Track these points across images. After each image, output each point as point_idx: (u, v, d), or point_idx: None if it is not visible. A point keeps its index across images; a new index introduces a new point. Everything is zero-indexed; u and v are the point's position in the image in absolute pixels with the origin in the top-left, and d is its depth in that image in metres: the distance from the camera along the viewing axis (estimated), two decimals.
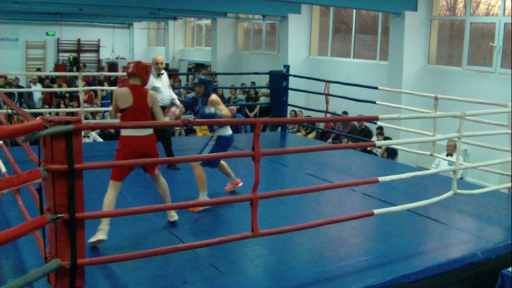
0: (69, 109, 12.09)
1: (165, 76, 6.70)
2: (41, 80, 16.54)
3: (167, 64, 22.48)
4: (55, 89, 15.49)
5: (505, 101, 5.90)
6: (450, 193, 4.82)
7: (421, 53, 11.51)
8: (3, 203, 4.87)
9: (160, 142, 6.62)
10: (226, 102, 15.55)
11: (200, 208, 4.91)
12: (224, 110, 4.99)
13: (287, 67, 9.39)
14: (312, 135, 12.38)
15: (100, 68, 22.76)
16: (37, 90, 13.97)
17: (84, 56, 24.19)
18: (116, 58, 23.53)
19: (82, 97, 8.41)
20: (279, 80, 9.28)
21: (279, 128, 9.94)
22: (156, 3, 13.85)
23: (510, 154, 5.36)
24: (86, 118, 10.84)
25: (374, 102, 7.90)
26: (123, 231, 4.39)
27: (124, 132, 4.25)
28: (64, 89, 14.59)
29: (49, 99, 16.14)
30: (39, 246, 3.19)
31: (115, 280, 3.65)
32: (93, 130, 9.41)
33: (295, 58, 14.52)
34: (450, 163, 7.56)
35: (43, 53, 23.30)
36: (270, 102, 9.74)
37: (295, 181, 6.43)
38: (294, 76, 9.58)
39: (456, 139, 5.20)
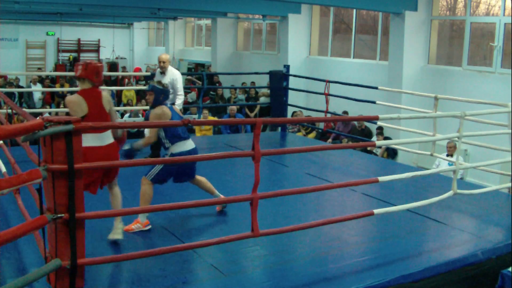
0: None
1: (169, 75, 6.73)
2: (41, 80, 16.54)
3: None
4: (55, 89, 15.49)
5: (505, 101, 5.90)
6: (450, 193, 4.81)
7: (421, 53, 11.50)
8: (3, 203, 4.86)
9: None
10: (226, 102, 15.56)
11: (135, 229, 4.43)
12: (151, 135, 4.54)
13: (287, 67, 9.39)
14: (312, 135, 12.38)
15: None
16: (37, 90, 13.97)
17: (84, 56, 24.18)
18: (116, 58, 23.52)
19: None
20: (279, 80, 9.27)
21: (279, 128, 9.94)
22: (156, 3, 13.84)
23: (510, 154, 5.36)
24: None
25: (374, 102, 7.90)
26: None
27: (85, 143, 3.32)
28: (64, 89, 14.59)
29: (49, 99, 16.15)
30: (38, 246, 3.19)
31: (115, 280, 3.65)
32: None
33: (295, 58, 14.51)
34: (451, 164, 7.56)
35: (43, 53, 23.29)
36: (270, 102, 9.74)
37: (295, 181, 6.43)
38: (294, 76, 9.57)
39: (456, 139, 5.20)
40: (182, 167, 4.60)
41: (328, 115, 8.84)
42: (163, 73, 6.79)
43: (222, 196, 4.90)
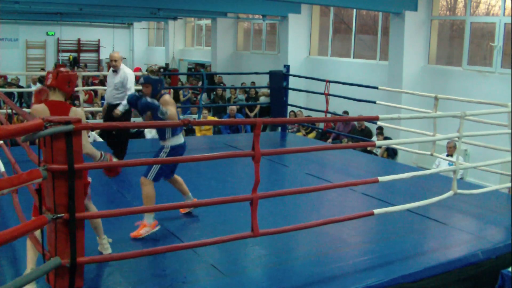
0: None
1: (120, 74, 6.51)
2: (41, 80, 16.54)
3: (167, 64, 22.48)
4: None
5: (505, 101, 5.90)
6: (450, 193, 4.81)
7: (421, 53, 11.50)
8: (2, 203, 4.86)
9: (116, 139, 6.62)
10: (227, 102, 15.56)
11: (144, 234, 4.28)
12: (173, 112, 4.42)
13: (287, 67, 9.39)
14: (312, 135, 12.37)
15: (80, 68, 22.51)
16: None
17: (84, 56, 24.19)
18: None
19: (82, 97, 8.43)
20: (279, 80, 9.27)
21: (279, 128, 9.94)
22: (156, 3, 13.85)
23: (510, 154, 5.36)
24: (86, 118, 10.84)
25: (374, 102, 7.90)
26: (123, 231, 4.38)
27: None
28: None
29: None
30: (36, 246, 3.18)
31: (114, 280, 3.65)
32: (93, 130, 9.41)
33: (295, 58, 14.51)
34: (451, 163, 7.56)
35: (43, 53, 23.29)
36: (270, 102, 9.74)
37: (295, 181, 6.43)
38: (294, 76, 9.57)
39: (456, 139, 5.20)
40: (182, 154, 4.60)
41: (328, 115, 8.84)
42: (115, 71, 6.56)
43: (195, 199, 4.83)
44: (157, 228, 4.32)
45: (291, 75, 9.35)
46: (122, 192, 5.35)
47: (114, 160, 3.94)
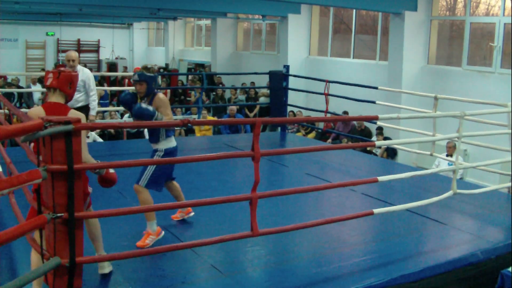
0: None
1: (81, 75, 6.18)
2: (41, 80, 16.54)
3: (166, 64, 22.48)
4: None
5: (505, 101, 5.90)
6: (450, 193, 4.81)
7: (421, 53, 11.51)
8: (1, 203, 4.86)
9: None
10: (226, 102, 15.56)
11: (150, 243, 4.09)
12: (169, 115, 4.17)
13: (287, 67, 9.39)
14: (312, 135, 12.38)
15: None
16: (37, 91, 13.96)
17: (84, 56, 24.18)
18: (116, 58, 23.53)
19: None
20: (279, 80, 9.27)
21: (279, 128, 9.94)
22: (156, 3, 13.85)
23: (510, 154, 5.36)
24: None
25: (374, 102, 7.90)
26: (123, 231, 4.38)
27: None
28: None
29: None
30: (33, 246, 3.18)
31: (114, 280, 3.65)
32: (92, 130, 9.41)
33: (295, 58, 14.52)
34: (450, 163, 7.56)
35: (43, 53, 23.30)
36: (270, 102, 9.73)
37: (295, 181, 6.43)
38: (294, 76, 9.57)
39: (456, 139, 5.20)
40: (172, 165, 4.36)
41: (328, 115, 8.84)
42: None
43: (189, 208, 4.69)
44: (161, 235, 4.18)
45: (291, 75, 9.35)
46: (121, 192, 5.34)
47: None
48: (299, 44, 14.93)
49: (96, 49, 24.52)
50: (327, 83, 8.35)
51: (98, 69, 23.64)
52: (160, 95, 4.22)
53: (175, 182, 4.56)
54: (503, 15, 10.22)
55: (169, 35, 22.29)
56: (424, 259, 4.18)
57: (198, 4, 13.47)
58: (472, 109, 5.89)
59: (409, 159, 10.53)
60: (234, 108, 11.67)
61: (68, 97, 3.37)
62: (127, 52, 25.11)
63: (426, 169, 7.59)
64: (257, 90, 14.99)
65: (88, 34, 24.12)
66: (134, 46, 25.46)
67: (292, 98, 9.78)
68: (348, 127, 12.03)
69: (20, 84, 16.95)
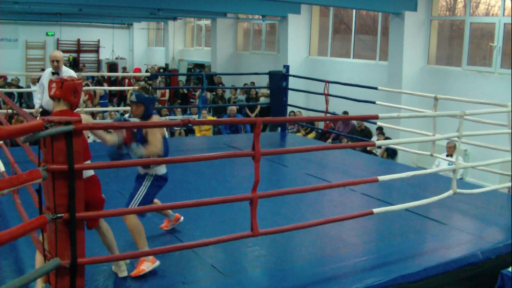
0: None
1: (63, 76, 5.68)
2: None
3: (166, 65, 22.48)
4: None
5: (505, 101, 5.90)
6: (449, 192, 4.81)
7: (421, 53, 11.51)
8: (2, 203, 4.86)
9: None
10: (226, 102, 15.56)
11: (147, 270, 3.72)
12: (153, 143, 3.69)
13: (286, 67, 9.39)
14: (312, 135, 12.38)
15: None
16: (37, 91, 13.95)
17: (84, 57, 24.18)
18: (116, 58, 23.53)
19: (82, 97, 8.40)
20: (279, 80, 9.27)
21: (279, 128, 9.94)
22: (156, 3, 13.85)
23: (510, 154, 5.36)
24: None
25: (374, 102, 7.90)
26: (123, 231, 4.38)
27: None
28: None
29: None
30: (36, 247, 3.18)
31: (115, 280, 3.65)
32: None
33: (295, 58, 14.51)
34: (450, 164, 7.56)
35: (43, 53, 23.28)
36: (270, 103, 9.73)
37: (295, 181, 6.43)
38: (294, 76, 9.57)
39: (456, 139, 5.20)
40: (161, 188, 3.99)
41: (328, 116, 8.83)
42: (56, 73, 5.84)
43: (177, 214, 4.53)
44: (157, 264, 3.77)
45: (291, 75, 9.34)
46: (121, 192, 5.34)
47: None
48: (299, 44, 14.93)
49: (96, 49, 24.51)
50: (327, 83, 8.35)
51: (98, 69, 23.64)
52: (155, 117, 3.88)
53: (155, 200, 4.21)
54: (503, 15, 10.22)
55: (169, 35, 22.28)
56: (424, 259, 4.18)
57: (198, 4, 13.47)
58: (472, 109, 5.90)
59: (409, 159, 10.53)
60: (234, 108, 11.67)
61: (73, 105, 3.28)
62: (127, 52, 25.10)
63: (426, 169, 7.59)
64: (257, 90, 14.99)
65: (88, 34, 24.11)
66: (134, 46, 25.45)
67: (292, 98, 9.78)
68: (348, 127, 12.03)
69: (20, 84, 16.95)
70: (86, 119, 3.31)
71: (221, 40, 18.55)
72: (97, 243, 4.09)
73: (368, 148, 9.83)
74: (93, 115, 12.07)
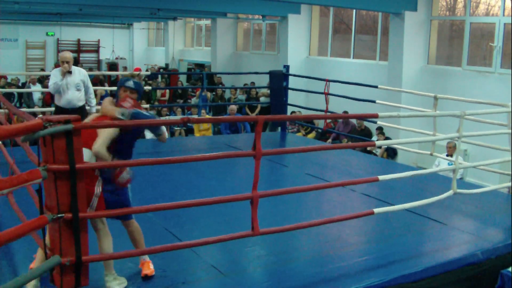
0: None
1: (77, 74, 6.23)
2: (40, 80, 16.54)
3: (166, 65, 22.48)
4: None
5: (505, 101, 5.90)
6: (449, 192, 4.81)
7: (421, 53, 11.51)
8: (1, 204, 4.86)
9: None
10: (227, 101, 15.56)
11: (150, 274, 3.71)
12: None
13: (287, 67, 9.39)
14: (312, 135, 12.38)
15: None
16: (37, 91, 13.97)
17: (84, 57, 24.18)
18: (116, 58, 23.54)
19: None
20: (279, 80, 9.27)
21: (279, 128, 9.94)
22: (156, 3, 13.85)
23: (510, 154, 5.36)
24: None
25: (374, 102, 7.90)
26: (123, 231, 4.37)
27: None
28: None
29: (49, 99, 16.12)
30: (39, 245, 3.18)
31: None
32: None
33: (295, 58, 14.52)
34: (450, 163, 7.56)
35: (43, 53, 23.30)
36: (270, 102, 9.73)
37: (295, 181, 6.42)
38: (294, 76, 9.57)
39: (456, 139, 5.20)
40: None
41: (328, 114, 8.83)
42: (69, 72, 6.14)
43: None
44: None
45: (291, 75, 9.34)
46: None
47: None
48: (299, 44, 14.93)
49: (96, 49, 24.51)
50: (327, 82, 8.35)
51: (98, 69, 23.63)
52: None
53: None
54: (503, 15, 10.22)
55: (169, 35, 22.29)
56: (424, 259, 4.18)
57: (198, 4, 13.48)
58: (472, 109, 5.89)
59: (409, 159, 10.53)
60: (234, 107, 11.66)
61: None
62: (127, 52, 25.11)
63: (426, 168, 7.59)
64: (257, 90, 14.99)
65: (88, 34, 24.12)
66: (134, 46, 25.46)
67: (292, 98, 9.78)
68: (348, 127, 12.03)
69: (20, 84, 16.96)
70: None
71: (221, 40, 18.55)
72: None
73: (368, 148, 9.82)
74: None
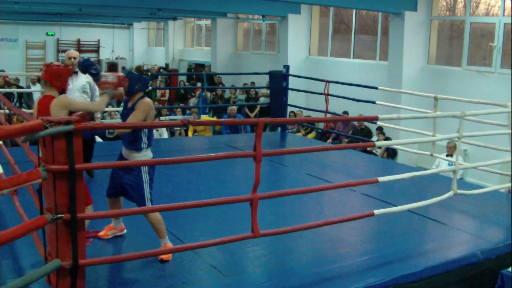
0: None
1: (81, 77, 5.92)
2: (40, 80, 16.54)
3: (166, 65, 22.48)
4: None
5: (505, 101, 5.90)
6: (450, 193, 4.81)
7: (421, 53, 11.51)
8: (1, 204, 4.86)
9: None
10: (226, 102, 15.56)
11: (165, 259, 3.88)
12: (135, 118, 3.78)
13: (287, 67, 9.38)
14: (312, 135, 12.37)
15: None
16: (37, 91, 13.95)
17: (84, 57, 24.14)
18: (116, 58, 23.53)
19: None
20: (279, 80, 9.27)
21: (279, 128, 9.94)
22: (156, 3, 13.85)
23: (510, 154, 5.36)
24: None
25: (374, 102, 7.90)
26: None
27: None
28: None
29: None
30: (37, 247, 3.19)
31: (115, 281, 3.65)
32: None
33: (295, 58, 14.52)
34: (451, 164, 7.56)
35: (43, 54, 23.29)
36: (270, 102, 9.73)
37: (295, 182, 6.42)
38: (294, 76, 9.57)
39: (456, 139, 5.20)
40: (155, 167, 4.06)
41: (328, 115, 8.83)
42: (75, 73, 5.82)
43: (123, 225, 4.36)
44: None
45: (291, 75, 9.34)
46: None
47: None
48: (299, 44, 14.93)
49: (96, 49, 24.51)
50: (327, 83, 8.35)
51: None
52: (146, 100, 3.87)
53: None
54: (503, 15, 10.22)
55: (169, 35, 22.29)
56: (424, 259, 4.18)
57: (198, 4, 13.47)
58: (472, 109, 5.90)
59: (409, 159, 10.53)
60: (234, 108, 11.67)
61: (58, 89, 3.56)
62: (127, 52, 25.10)
63: (426, 169, 7.59)
64: (257, 90, 14.99)
65: (88, 34, 24.12)
66: (134, 46, 25.45)
67: (292, 98, 9.78)
68: (348, 127, 12.03)
69: (20, 84, 16.96)
70: (62, 100, 3.49)
71: (221, 40, 18.55)
72: (98, 243, 4.10)
73: (368, 148, 9.82)
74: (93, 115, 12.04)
